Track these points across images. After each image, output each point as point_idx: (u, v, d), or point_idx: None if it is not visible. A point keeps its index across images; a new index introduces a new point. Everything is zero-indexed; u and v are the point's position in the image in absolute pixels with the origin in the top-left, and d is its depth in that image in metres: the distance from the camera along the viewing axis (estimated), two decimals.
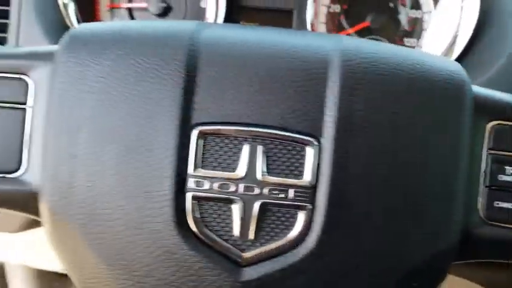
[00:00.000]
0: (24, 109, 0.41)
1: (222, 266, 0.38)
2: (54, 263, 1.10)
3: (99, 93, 0.38)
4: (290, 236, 0.38)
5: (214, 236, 0.38)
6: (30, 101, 0.41)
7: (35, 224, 0.78)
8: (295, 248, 0.38)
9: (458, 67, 0.42)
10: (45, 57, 0.42)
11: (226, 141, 0.38)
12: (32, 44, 0.74)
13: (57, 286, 1.25)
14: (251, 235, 0.38)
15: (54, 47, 0.42)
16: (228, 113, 0.38)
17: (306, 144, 0.38)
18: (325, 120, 0.38)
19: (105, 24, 0.42)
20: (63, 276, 1.23)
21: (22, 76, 0.42)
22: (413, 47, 0.86)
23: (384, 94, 0.39)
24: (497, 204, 0.41)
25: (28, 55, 0.42)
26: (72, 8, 0.79)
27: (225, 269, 0.38)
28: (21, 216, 0.75)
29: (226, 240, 0.38)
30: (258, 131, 0.38)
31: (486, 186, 0.41)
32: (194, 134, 0.38)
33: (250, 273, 0.38)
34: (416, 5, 0.86)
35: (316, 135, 0.38)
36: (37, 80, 0.42)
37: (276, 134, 0.38)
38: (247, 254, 0.38)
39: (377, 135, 0.38)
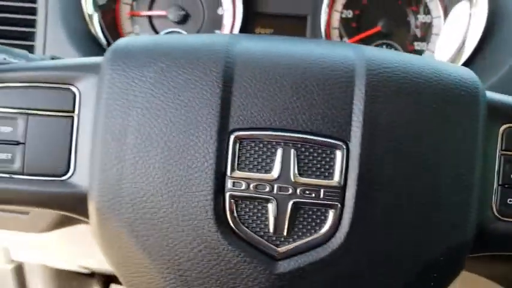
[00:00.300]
0: (72, 117, 0.45)
1: (258, 260, 0.41)
2: (73, 263, 1.13)
3: (143, 102, 0.42)
4: (321, 232, 0.41)
5: (250, 233, 0.41)
6: (77, 109, 0.45)
7: (60, 224, 0.81)
8: (325, 243, 0.41)
9: (472, 75, 0.45)
10: (91, 68, 0.45)
11: (261, 145, 0.41)
12: (58, 51, 0.78)
13: (75, 285, 1.28)
14: (285, 231, 0.41)
15: (99, 59, 0.46)
16: (262, 119, 0.41)
17: (335, 148, 0.41)
18: (353, 125, 0.41)
19: (146, 38, 0.45)
20: (81, 276, 1.26)
21: (69, 86, 0.45)
22: (423, 51, 0.89)
23: (406, 101, 0.42)
24: (510, 201, 0.44)
25: (75, 67, 0.46)
26: (96, 18, 0.83)
27: (261, 263, 0.41)
28: (48, 217, 0.79)
29: (261, 236, 0.41)
30: (290, 136, 0.41)
31: (499, 185, 0.44)
32: (231, 139, 0.41)
33: (284, 266, 0.41)
34: (425, 10, 0.89)
35: (344, 139, 0.41)
36: (83, 89, 0.45)
37: (307, 138, 0.41)
38: (282, 249, 0.41)
39: (400, 138, 0.41)
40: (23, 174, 0.45)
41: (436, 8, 0.89)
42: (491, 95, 0.46)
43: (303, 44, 0.46)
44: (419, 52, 0.89)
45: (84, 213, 0.45)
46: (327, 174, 0.41)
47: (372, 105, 0.41)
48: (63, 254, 1.07)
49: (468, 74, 0.45)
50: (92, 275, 1.25)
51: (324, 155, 0.41)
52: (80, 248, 1.01)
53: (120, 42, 0.45)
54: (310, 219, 0.41)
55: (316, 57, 0.43)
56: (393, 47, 0.88)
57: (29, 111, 0.45)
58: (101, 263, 1.09)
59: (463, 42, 0.84)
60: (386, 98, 0.42)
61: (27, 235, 0.87)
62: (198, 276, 0.41)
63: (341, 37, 0.89)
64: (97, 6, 0.83)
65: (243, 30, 0.86)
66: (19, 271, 1.25)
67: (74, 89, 0.45)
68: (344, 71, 0.42)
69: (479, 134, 0.43)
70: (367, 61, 0.43)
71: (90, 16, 0.82)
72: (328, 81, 0.42)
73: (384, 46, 0.88)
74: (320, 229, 0.41)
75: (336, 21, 0.89)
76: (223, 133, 0.41)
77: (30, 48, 0.79)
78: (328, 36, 0.88)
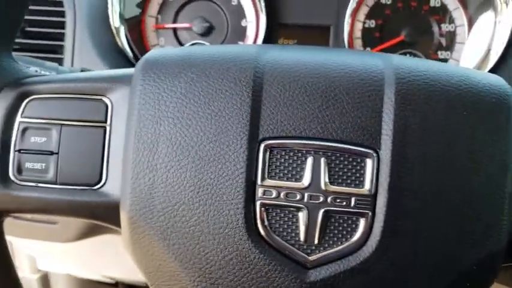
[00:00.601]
0: (104, 127, 0.46)
1: (289, 269, 0.41)
2: (97, 273, 1.14)
3: (174, 111, 0.42)
4: (352, 240, 0.41)
5: (281, 241, 0.41)
6: (109, 119, 0.46)
7: (88, 234, 0.83)
8: (356, 251, 0.41)
9: (501, 81, 0.45)
10: (123, 80, 0.46)
11: (291, 153, 0.41)
12: (86, 64, 0.80)
13: None
14: (316, 240, 0.41)
15: (130, 71, 0.47)
16: (292, 128, 0.41)
17: (366, 156, 0.41)
18: (383, 134, 0.41)
19: (177, 50, 0.46)
20: (105, 286, 1.27)
21: (102, 97, 0.46)
22: (447, 60, 0.89)
23: (436, 108, 0.42)
24: None
25: (107, 78, 0.47)
26: (122, 31, 0.85)
27: (292, 271, 0.41)
28: (77, 227, 0.80)
29: (292, 245, 0.41)
30: (321, 144, 0.41)
31: None
32: (261, 147, 0.41)
33: (315, 275, 0.41)
34: (449, 19, 0.89)
35: (375, 147, 0.41)
36: (115, 100, 0.46)
37: (337, 146, 0.41)
38: (312, 257, 0.41)
39: (430, 146, 0.41)
40: (56, 183, 0.46)
41: (460, 17, 0.88)
42: None
43: (331, 53, 0.46)
44: (444, 61, 0.89)
45: (116, 222, 0.45)
46: (357, 182, 0.41)
47: (402, 113, 0.41)
48: (88, 264, 1.08)
49: (497, 80, 0.45)
50: (116, 284, 1.26)
51: (354, 163, 0.41)
52: (104, 257, 1.02)
53: (151, 54, 0.46)
54: (341, 228, 0.41)
55: (345, 66, 0.43)
56: (417, 56, 0.88)
57: (63, 122, 0.46)
58: (124, 273, 1.10)
59: (488, 50, 0.84)
60: (416, 106, 0.41)
61: (53, 245, 0.89)
62: (229, 284, 0.41)
63: (364, 47, 0.89)
64: (123, 19, 0.85)
65: (266, 41, 0.87)
66: (44, 281, 1.27)
67: (106, 100, 0.46)
68: (373, 79, 0.42)
69: (511, 140, 0.43)
70: (396, 69, 0.43)
71: (117, 29, 0.84)
72: (358, 90, 0.42)
73: (408, 55, 0.88)
74: (351, 237, 0.41)
75: (358, 31, 0.89)
76: (253, 142, 0.41)
77: (59, 61, 0.81)
78: (351, 46, 0.88)
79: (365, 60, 0.44)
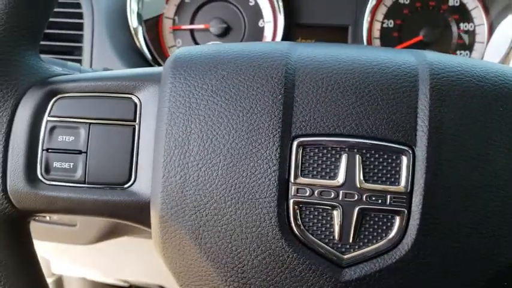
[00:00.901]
0: (133, 126, 0.45)
1: (324, 267, 0.40)
2: (111, 276, 1.14)
3: (205, 109, 0.42)
4: (387, 239, 0.40)
5: (315, 240, 0.40)
6: (138, 118, 0.45)
7: (107, 236, 0.82)
8: (392, 250, 0.40)
9: None
10: (152, 78, 0.46)
11: (325, 151, 0.41)
12: (104, 65, 0.80)
13: None
14: (350, 238, 0.40)
15: (159, 69, 0.46)
16: (326, 125, 0.41)
17: (401, 153, 0.40)
18: (418, 130, 0.40)
19: (205, 47, 0.46)
20: None
21: (130, 96, 0.46)
22: None
23: (471, 104, 0.41)
24: None
25: (136, 77, 0.46)
26: (141, 32, 0.85)
27: (326, 270, 0.40)
28: (96, 228, 0.80)
29: (327, 243, 0.40)
30: (355, 141, 0.40)
31: None
32: (294, 145, 0.41)
33: (350, 274, 0.40)
34: (468, 18, 0.88)
35: (410, 144, 0.40)
36: (144, 99, 0.46)
37: (372, 143, 0.40)
38: (347, 256, 0.40)
39: (466, 143, 0.40)
40: (84, 183, 0.45)
41: (480, 16, 0.88)
42: None
43: (363, 50, 0.45)
44: None
45: (146, 222, 0.45)
46: (393, 180, 0.40)
47: (437, 109, 0.40)
48: (103, 267, 1.08)
49: None
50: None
51: (389, 161, 0.40)
52: (120, 260, 1.02)
53: (180, 51, 0.46)
54: (376, 226, 0.40)
55: (378, 62, 0.43)
56: None
57: (91, 121, 0.45)
58: (139, 276, 1.09)
59: (509, 50, 0.83)
60: (452, 102, 0.41)
61: (70, 247, 0.89)
62: (262, 284, 0.41)
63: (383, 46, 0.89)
64: (142, 20, 0.85)
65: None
66: (59, 284, 1.27)
67: (134, 98, 0.46)
68: (407, 75, 0.42)
69: None
70: (430, 65, 0.42)
71: (135, 29, 0.84)
72: (392, 86, 0.41)
73: None
74: (386, 236, 0.40)
75: (377, 31, 0.88)
76: (285, 139, 0.41)
77: (77, 63, 0.81)
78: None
79: (398, 56, 0.44)
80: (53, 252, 1.00)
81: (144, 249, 0.84)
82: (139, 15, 0.85)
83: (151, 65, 0.85)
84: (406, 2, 0.88)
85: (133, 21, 0.84)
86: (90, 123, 0.45)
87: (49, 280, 1.22)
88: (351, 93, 0.41)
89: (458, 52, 0.89)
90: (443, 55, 0.45)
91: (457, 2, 0.88)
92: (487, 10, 0.87)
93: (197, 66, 0.43)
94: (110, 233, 0.80)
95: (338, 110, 0.41)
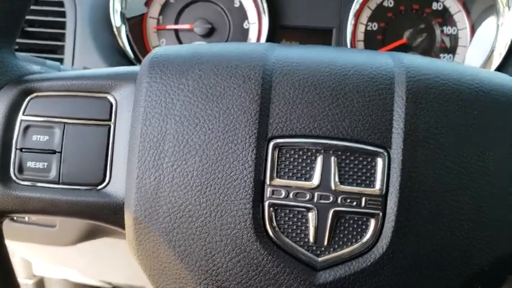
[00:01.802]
0: (108, 125, 0.45)
1: (299, 270, 0.40)
2: (94, 278, 1.13)
3: (181, 109, 0.42)
4: (362, 241, 0.40)
5: (290, 242, 0.40)
6: (113, 118, 0.45)
7: (88, 237, 0.81)
8: (366, 252, 0.40)
9: (511, 81, 0.45)
10: (128, 77, 0.45)
11: (300, 152, 0.40)
12: (86, 64, 0.79)
13: None
14: (325, 241, 0.40)
15: (136, 68, 0.46)
16: (302, 126, 0.41)
17: (376, 155, 0.40)
18: (394, 133, 0.40)
19: (183, 47, 0.46)
20: None
21: (106, 95, 0.45)
22: None
23: (447, 107, 0.41)
24: None
25: (112, 76, 0.46)
26: (124, 31, 0.84)
27: (301, 273, 0.40)
28: (76, 229, 0.79)
29: (302, 246, 0.40)
30: (331, 143, 0.40)
31: None
32: (270, 146, 0.40)
33: (324, 277, 0.40)
34: (451, 22, 0.88)
35: (386, 146, 0.40)
36: (120, 98, 0.45)
37: (347, 145, 0.40)
38: (322, 259, 0.40)
39: (441, 145, 0.40)
40: (58, 183, 0.45)
41: (462, 20, 0.88)
42: None
43: (340, 52, 0.45)
44: None
45: (120, 223, 0.44)
46: (368, 182, 0.40)
47: (413, 111, 0.40)
48: (86, 268, 1.07)
49: (507, 79, 0.45)
50: None
51: (365, 163, 0.40)
52: (102, 262, 1.01)
53: (157, 51, 0.45)
54: (351, 229, 0.40)
55: (355, 64, 0.43)
56: None
57: (66, 120, 0.45)
58: (122, 277, 1.08)
59: (492, 52, 0.84)
60: (427, 105, 0.41)
61: (50, 249, 0.88)
62: (236, 287, 0.40)
63: (366, 49, 0.89)
64: (125, 19, 0.84)
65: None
66: (40, 286, 1.25)
67: (110, 97, 0.45)
68: (384, 77, 0.41)
69: None
70: (406, 68, 0.42)
71: (118, 29, 0.83)
72: (368, 88, 0.41)
73: None
74: (361, 238, 0.40)
75: (361, 34, 0.89)
76: (262, 140, 0.40)
77: (59, 61, 0.80)
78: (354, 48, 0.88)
79: (375, 59, 0.44)
80: (34, 254, 0.99)
81: (126, 251, 0.84)
82: (122, 15, 0.84)
83: (134, 65, 0.84)
84: (390, 5, 0.88)
85: (116, 21, 0.83)
86: (65, 122, 0.45)
87: (30, 282, 1.20)
88: (327, 95, 0.41)
89: (441, 55, 0.89)
90: (420, 58, 0.45)
91: (440, 5, 0.88)
92: (469, 14, 0.88)
93: (174, 66, 0.43)
94: (90, 234, 0.79)
95: (314, 112, 0.41)
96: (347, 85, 0.41)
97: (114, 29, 0.83)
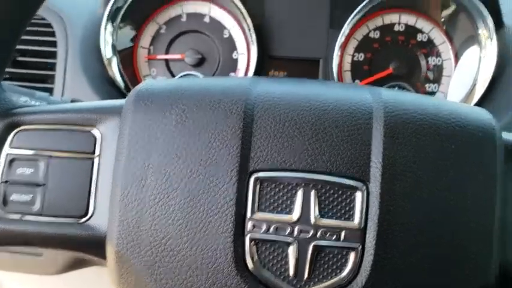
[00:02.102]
0: (92, 159, 0.45)
1: None
2: None
3: (164, 144, 0.42)
4: (342, 275, 0.40)
5: (271, 276, 0.40)
6: (97, 151, 0.45)
7: (74, 266, 0.81)
8: (346, 286, 0.40)
9: (488, 115, 0.46)
10: (113, 111, 0.46)
11: (281, 186, 0.41)
12: (76, 94, 0.80)
13: None
14: (305, 275, 0.40)
15: (121, 102, 0.47)
16: (283, 160, 0.41)
17: (355, 189, 0.41)
18: (372, 167, 0.41)
19: (168, 82, 0.47)
20: None
21: (91, 128, 0.46)
22: (435, 93, 0.90)
23: (424, 142, 0.42)
24: None
25: (97, 109, 0.47)
26: (115, 62, 0.85)
27: None
28: (62, 259, 0.78)
29: (282, 280, 0.40)
30: (311, 177, 0.41)
31: None
32: (251, 180, 0.41)
33: None
34: (436, 53, 0.90)
35: (364, 180, 0.41)
36: (104, 131, 0.46)
37: (327, 179, 0.41)
38: None
39: (419, 180, 0.41)
40: (42, 215, 0.45)
41: (447, 51, 0.90)
42: (506, 135, 0.46)
43: (320, 86, 0.46)
44: (431, 94, 0.90)
45: (103, 255, 0.44)
46: (347, 215, 0.41)
47: (390, 146, 0.41)
48: None
49: (484, 114, 0.46)
50: None
51: (344, 197, 0.41)
52: None
53: (142, 85, 0.46)
54: (331, 262, 0.40)
55: (334, 99, 0.44)
56: (405, 89, 0.89)
57: (51, 153, 0.45)
58: None
59: (474, 85, 0.85)
60: (405, 140, 0.42)
61: (36, 279, 0.87)
62: None
63: (353, 79, 0.90)
64: (116, 51, 0.86)
65: (257, 73, 0.88)
66: None
67: (95, 131, 0.46)
68: (362, 113, 0.43)
69: (497, 175, 0.43)
70: (384, 103, 0.43)
71: (109, 60, 0.84)
72: (347, 123, 0.42)
73: (396, 88, 0.89)
74: (341, 272, 0.40)
75: (347, 64, 0.90)
76: (243, 174, 0.41)
77: (50, 91, 0.81)
78: (340, 78, 0.89)
79: (354, 94, 0.45)
80: (20, 283, 0.98)
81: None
82: (113, 46, 0.85)
83: (125, 96, 0.85)
84: (376, 37, 0.90)
85: (107, 52, 0.85)
86: (50, 156, 0.45)
87: None
88: (307, 129, 0.42)
89: (427, 85, 0.91)
90: (399, 93, 0.46)
91: (425, 37, 0.90)
92: (453, 44, 0.90)
93: (158, 101, 0.44)
94: (77, 263, 0.78)
95: (294, 146, 0.42)
96: (326, 120, 0.42)
97: (105, 61, 0.84)
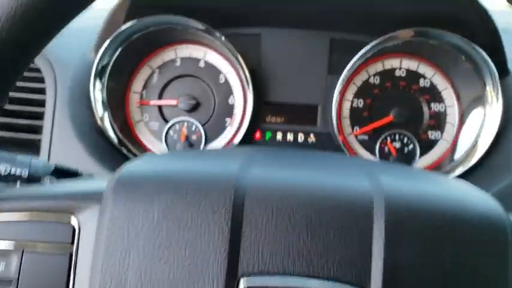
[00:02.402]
0: (69, 253, 0.42)
1: None
2: None
3: (145, 240, 0.39)
4: None
5: None
6: (75, 243, 0.42)
7: None
8: None
9: (498, 209, 0.42)
10: (93, 198, 0.43)
11: None
12: (64, 145, 0.77)
13: None
14: None
15: (101, 187, 0.43)
16: (276, 263, 0.38)
17: None
18: (373, 271, 0.38)
19: (151, 167, 0.43)
20: None
21: (69, 217, 0.43)
22: (438, 141, 0.87)
23: (428, 242, 0.39)
24: None
25: (76, 196, 0.43)
26: (107, 120, 0.82)
27: None
28: None
29: None
30: (306, 283, 0.38)
31: None
32: (241, 286, 0.38)
33: None
34: (439, 99, 0.87)
35: (364, 285, 0.38)
36: (83, 221, 0.43)
37: (325, 284, 0.37)
38: None
39: (423, 283, 0.38)
40: None
41: (450, 97, 0.87)
42: None
43: (317, 172, 0.43)
44: (434, 142, 0.87)
45: None
46: None
47: (392, 248, 0.38)
48: None
49: (496, 212, 0.42)
50: None
51: None
52: None
53: (124, 172, 0.43)
54: None
55: (332, 194, 0.40)
56: (406, 137, 0.86)
57: (24, 246, 0.42)
58: None
59: (476, 142, 0.82)
60: (408, 241, 0.38)
61: None
62: None
63: (352, 126, 0.87)
64: (107, 106, 0.83)
65: (253, 119, 0.85)
66: None
67: (73, 220, 0.43)
68: (362, 210, 0.39)
69: (509, 272, 0.40)
70: (385, 197, 0.40)
71: (101, 118, 0.81)
72: (345, 222, 0.39)
73: (397, 135, 0.86)
74: None
75: (346, 110, 0.87)
76: (231, 280, 0.38)
77: (37, 142, 0.77)
78: (339, 125, 0.86)
79: (352, 183, 0.42)
80: None
81: None
82: (104, 103, 0.82)
83: (113, 145, 0.82)
84: (376, 82, 0.87)
85: (98, 110, 0.82)
86: (23, 250, 0.42)
87: None
88: (301, 229, 0.39)
89: (429, 133, 0.88)
90: (401, 180, 0.43)
91: (427, 82, 0.87)
92: (457, 92, 0.87)
93: (140, 191, 0.41)
94: None
95: (288, 248, 0.38)
96: (323, 217, 0.39)
97: (97, 119, 0.81)
